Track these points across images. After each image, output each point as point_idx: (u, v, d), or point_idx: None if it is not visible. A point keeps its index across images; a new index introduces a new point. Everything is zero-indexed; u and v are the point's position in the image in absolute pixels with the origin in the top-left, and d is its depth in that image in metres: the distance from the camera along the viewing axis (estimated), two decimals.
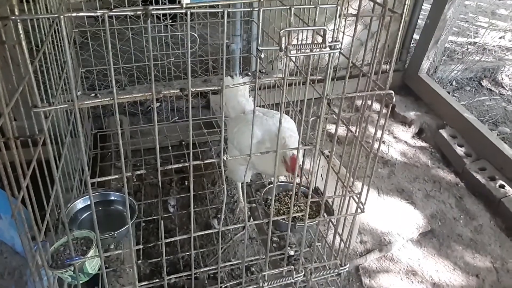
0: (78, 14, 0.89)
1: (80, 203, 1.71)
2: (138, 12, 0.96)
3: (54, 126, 1.88)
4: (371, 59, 1.44)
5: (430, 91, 3.54)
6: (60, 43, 2.17)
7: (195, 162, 1.25)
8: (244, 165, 2.07)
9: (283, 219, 1.72)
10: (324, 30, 1.13)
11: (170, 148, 2.71)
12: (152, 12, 0.96)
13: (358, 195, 1.57)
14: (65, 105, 1.00)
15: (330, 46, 1.16)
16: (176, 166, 1.25)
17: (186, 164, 1.25)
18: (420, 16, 3.70)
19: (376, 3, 1.31)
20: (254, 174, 2.39)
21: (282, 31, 1.08)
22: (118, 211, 1.80)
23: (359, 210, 1.58)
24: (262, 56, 1.07)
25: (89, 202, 1.75)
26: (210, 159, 1.29)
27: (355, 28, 1.23)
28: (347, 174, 1.59)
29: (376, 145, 1.44)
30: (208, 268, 1.53)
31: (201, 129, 2.90)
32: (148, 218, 2.25)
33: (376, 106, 3.71)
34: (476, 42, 4.35)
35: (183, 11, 0.98)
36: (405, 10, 1.18)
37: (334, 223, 1.76)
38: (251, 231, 2.33)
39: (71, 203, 1.70)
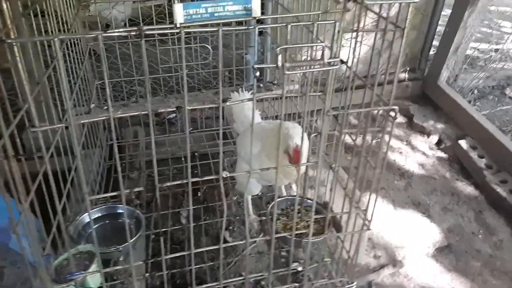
0: (71, 36, 0.91)
1: (87, 217, 1.73)
2: (132, 33, 0.97)
3: (63, 139, 1.91)
4: (386, 69, 1.42)
5: (449, 101, 3.45)
6: (77, 56, 2.22)
7: (194, 179, 1.26)
8: (253, 177, 2.07)
9: (289, 235, 1.69)
10: (323, 47, 1.12)
11: (183, 159, 2.72)
12: (146, 32, 0.97)
13: (364, 212, 1.54)
14: (61, 124, 1.01)
15: (329, 63, 1.15)
16: (173, 183, 1.25)
17: (185, 181, 1.25)
18: (441, 22, 3.62)
19: (381, 16, 1.29)
20: (265, 187, 2.38)
21: (278, 49, 1.08)
22: (124, 224, 1.81)
23: (365, 227, 1.55)
24: (258, 74, 1.07)
25: (98, 215, 1.79)
26: (209, 176, 1.29)
27: (355, 43, 1.21)
28: (354, 189, 1.55)
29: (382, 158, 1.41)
30: (208, 285, 1.52)
31: (215, 139, 2.91)
32: (157, 231, 2.25)
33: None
34: (498, 49, 4.22)
35: (177, 30, 0.98)
36: (406, 25, 1.15)
37: (342, 239, 1.73)
38: (262, 243, 2.31)
39: (79, 216, 1.72)
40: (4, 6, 0.89)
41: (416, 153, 3.26)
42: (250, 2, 1.01)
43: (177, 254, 1.40)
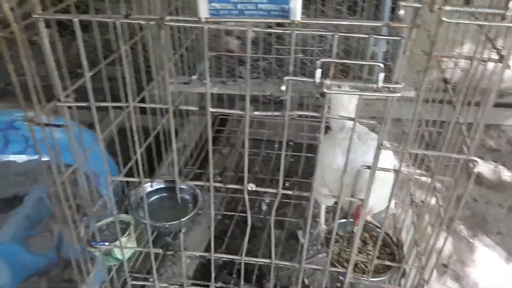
0: (91, 18, 0.87)
1: (149, 186, 1.78)
2: (151, 22, 0.90)
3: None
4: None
5: None
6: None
7: (216, 184, 1.17)
8: (324, 187, 1.87)
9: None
10: (380, 67, 0.89)
11: (276, 145, 2.64)
12: (166, 23, 0.88)
13: (421, 268, 1.26)
14: (83, 103, 1.01)
15: (387, 88, 0.91)
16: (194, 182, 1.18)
17: (207, 183, 1.17)
18: None
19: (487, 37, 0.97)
20: None
21: (319, 60, 0.88)
22: (183, 200, 1.82)
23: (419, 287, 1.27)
24: (283, 88, 0.90)
25: (158, 187, 1.82)
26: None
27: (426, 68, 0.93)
28: (415, 240, 1.28)
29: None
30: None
31: (315, 132, 2.73)
32: (225, 213, 2.24)
33: None
34: None
35: (201, 25, 0.87)
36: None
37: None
38: (320, 258, 2.13)
39: (141, 185, 1.77)
40: None
41: None
42: (287, 2, 0.84)
43: (198, 253, 1.34)
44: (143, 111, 1.75)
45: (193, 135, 2.56)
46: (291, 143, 2.67)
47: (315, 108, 3.04)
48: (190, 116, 2.67)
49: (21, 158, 2.49)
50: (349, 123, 1.92)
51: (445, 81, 1.29)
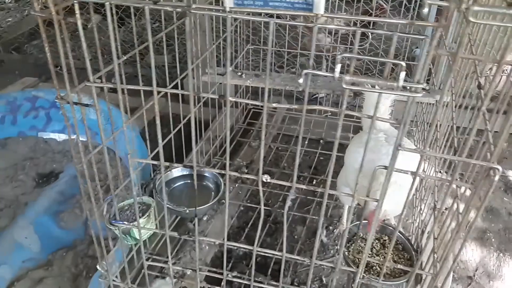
0: (121, 2, 0.91)
1: (176, 172, 1.83)
2: (178, 10, 0.92)
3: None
4: None
5: None
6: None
7: (232, 173, 1.18)
8: (347, 187, 1.86)
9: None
10: (401, 66, 0.87)
11: (306, 142, 2.63)
12: (192, 11, 0.90)
13: (434, 276, 1.23)
14: (110, 85, 1.05)
15: (408, 88, 0.89)
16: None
17: (223, 171, 1.19)
18: None
19: None
20: None
21: (339, 55, 0.88)
22: (206, 188, 1.86)
23: None
24: (301, 81, 0.90)
25: (184, 173, 1.87)
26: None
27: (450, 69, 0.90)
28: (430, 250, 1.24)
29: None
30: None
31: (348, 131, 2.69)
32: (249, 205, 2.26)
33: None
34: None
35: (225, 15, 0.89)
36: None
37: None
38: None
39: (168, 170, 1.83)
40: None
41: None
42: None
43: (214, 241, 1.37)
44: (178, 99, 1.82)
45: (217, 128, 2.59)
46: (321, 141, 2.65)
47: (351, 108, 3.01)
48: (223, 108, 2.70)
49: (60, 136, 2.62)
50: (380, 124, 1.90)
51: (479, 86, 1.25)
